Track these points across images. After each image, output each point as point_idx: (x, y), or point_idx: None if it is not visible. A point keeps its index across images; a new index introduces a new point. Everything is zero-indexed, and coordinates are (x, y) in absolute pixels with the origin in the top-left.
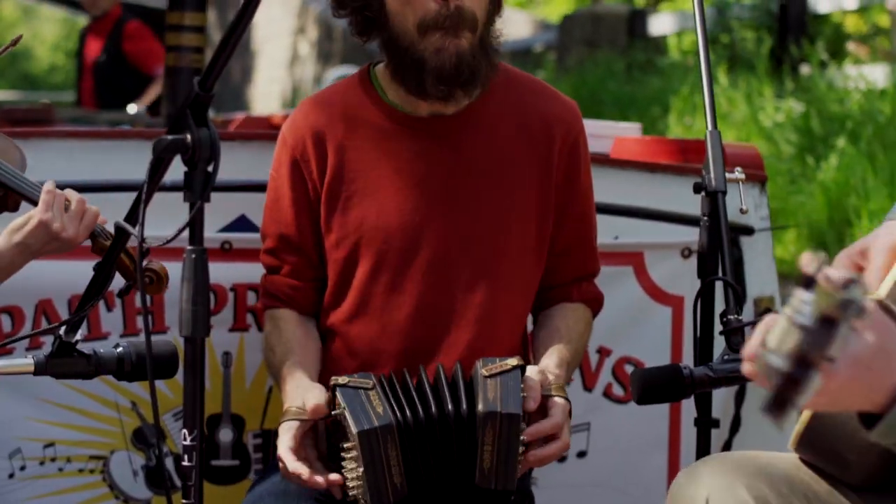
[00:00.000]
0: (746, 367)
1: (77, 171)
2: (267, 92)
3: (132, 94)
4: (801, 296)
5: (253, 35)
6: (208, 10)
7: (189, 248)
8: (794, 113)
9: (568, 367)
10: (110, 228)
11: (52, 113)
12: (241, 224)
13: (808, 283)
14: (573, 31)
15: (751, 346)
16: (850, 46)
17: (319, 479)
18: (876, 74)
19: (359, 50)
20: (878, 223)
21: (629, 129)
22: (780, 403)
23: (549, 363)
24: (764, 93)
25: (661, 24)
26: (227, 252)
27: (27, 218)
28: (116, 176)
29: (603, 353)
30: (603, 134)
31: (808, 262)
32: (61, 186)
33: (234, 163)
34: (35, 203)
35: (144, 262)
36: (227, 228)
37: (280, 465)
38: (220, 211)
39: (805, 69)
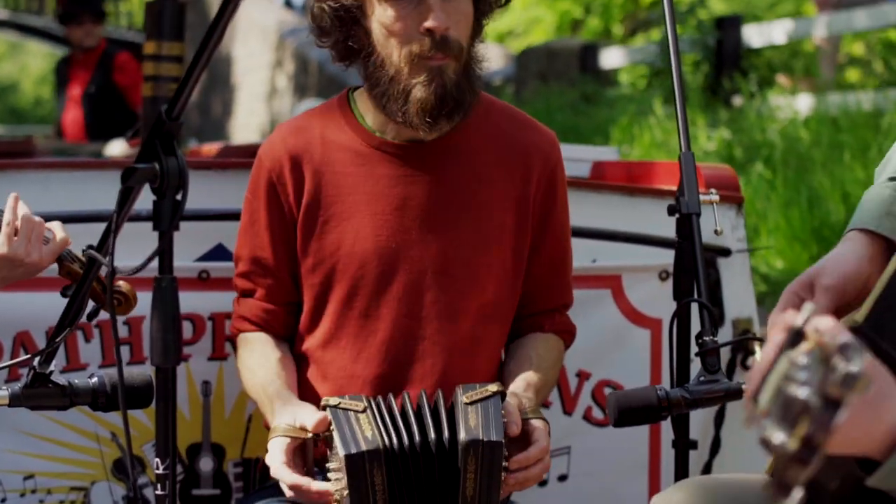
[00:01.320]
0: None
1: (54, 202)
2: (246, 124)
3: (123, 125)
4: (794, 357)
5: (233, 69)
6: (187, 48)
7: (158, 276)
8: (724, 141)
9: (537, 393)
10: (76, 251)
11: (32, 145)
12: (219, 253)
13: (796, 336)
14: (529, 64)
15: (747, 407)
16: (779, 78)
17: (319, 485)
18: (801, 104)
19: (333, 83)
20: (776, 239)
21: (606, 153)
22: (786, 484)
23: (519, 388)
24: (697, 122)
25: (611, 58)
26: (205, 281)
27: None
28: (94, 206)
29: (582, 376)
30: (581, 158)
31: (796, 315)
32: (40, 216)
33: (210, 191)
34: None
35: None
36: (205, 257)
37: (275, 477)
38: (197, 240)
39: (737, 100)
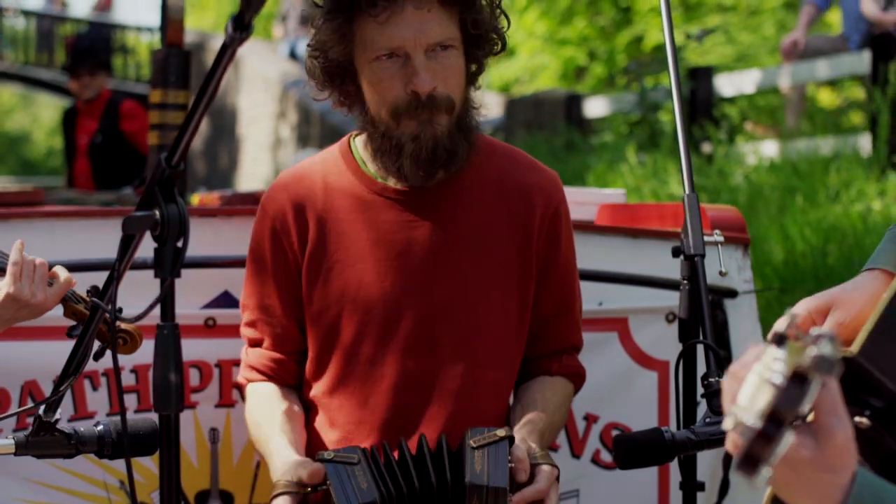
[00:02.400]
0: (725, 423)
1: (60, 251)
2: (252, 173)
3: (132, 173)
4: (772, 353)
5: (238, 119)
6: (191, 97)
7: (161, 324)
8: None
9: (542, 437)
10: (80, 291)
11: (41, 196)
12: (225, 300)
13: (780, 339)
14: (517, 113)
15: (724, 403)
16: (748, 126)
17: None
18: (767, 150)
19: (335, 133)
20: None
21: (613, 196)
22: (751, 461)
23: (523, 432)
24: (668, 168)
25: (594, 107)
26: (212, 328)
27: None
28: (100, 254)
29: (590, 419)
30: (588, 201)
31: (780, 319)
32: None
33: (216, 238)
34: (3, 271)
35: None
36: (211, 305)
37: None
38: (203, 287)
39: (707, 147)
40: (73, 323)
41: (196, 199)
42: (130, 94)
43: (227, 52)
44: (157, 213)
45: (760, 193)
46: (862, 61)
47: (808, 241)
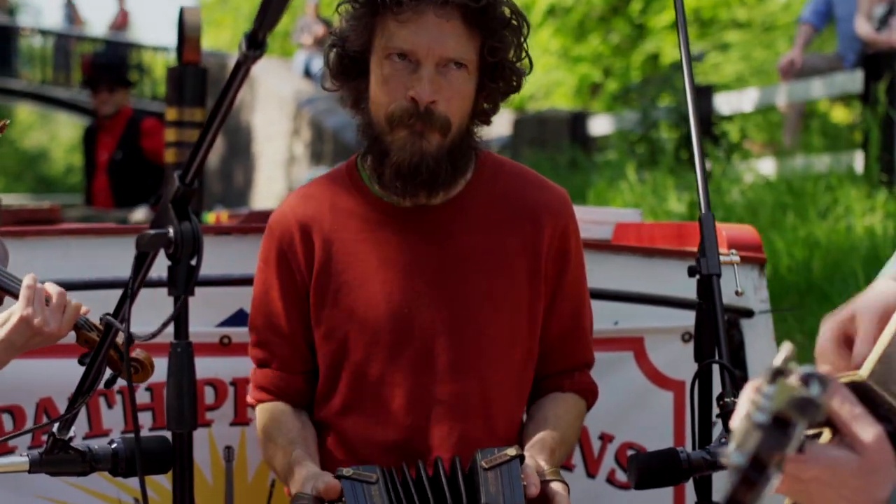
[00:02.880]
0: (722, 458)
1: (75, 269)
2: (266, 191)
3: (151, 190)
4: (763, 389)
5: (253, 137)
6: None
7: (174, 342)
8: (691, 203)
9: (553, 454)
10: (94, 319)
11: (57, 213)
12: (240, 318)
13: (773, 375)
14: (523, 131)
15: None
16: (747, 144)
17: None
18: (765, 168)
19: (348, 151)
20: None
21: (630, 215)
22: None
23: (535, 450)
24: (667, 185)
25: (598, 125)
26: (226, 346)
27: (8, 315)
28: (114, 272)
29: (605, 439)
30: (604, 220)
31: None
32: (61, 284)
33: (231, 257)
34: (17, 297)
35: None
36: (226, 323)
37: None
38: (218, 305)
39: (707, 164)
40: (84, 350)
41: (212, 217)
42: (148, 112)
43: (241, 70)
44: (170, 230)
45: (755, 210)
46: (855, 80)
47: (794, 256)
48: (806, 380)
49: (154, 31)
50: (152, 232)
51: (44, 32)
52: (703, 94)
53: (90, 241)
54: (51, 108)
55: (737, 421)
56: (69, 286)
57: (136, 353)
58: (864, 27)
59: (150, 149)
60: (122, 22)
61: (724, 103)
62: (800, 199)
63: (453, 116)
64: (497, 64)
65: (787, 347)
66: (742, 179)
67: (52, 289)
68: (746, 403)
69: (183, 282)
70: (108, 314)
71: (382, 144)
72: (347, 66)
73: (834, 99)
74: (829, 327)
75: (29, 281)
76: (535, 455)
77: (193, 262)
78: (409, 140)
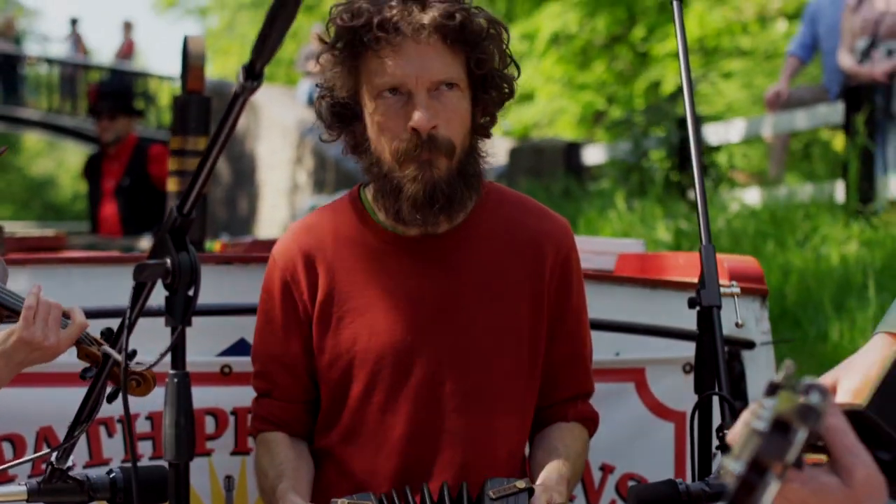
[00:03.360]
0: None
1: (78, 298)
2: (270, 218)
3: (159, 217)
4: (763, 402)
5: (257, 165)
6: None
7: (171, 372)
8: (678, 232)
9: (568, 485)
10: (94, 333)
11: (63, 241)
12: (241, 347)
13: (772, 389)
14: (520, 161)
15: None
16: (733, 174)
17: None
18: (750, 197)
19: (350, 179)
20: None
21: (632, 246)
22: None
23: (551, 481)
24: (656, 214)
25: (592, 154)
26: (227, 376)
27: (9, 331)
28: (117, 301)
29: (606, 469)
30: (606, 251)
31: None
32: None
33: (233, 286)
34: (18, 314)
35: (130, 365)
36: (227, 352)
37: None
38: (219, 335)
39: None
40: (86, 365)
41: (217, 245)
42: (154, 140)
43: (239, 101)
44: (168, 261)
45: (737, 239)
46: (836, 112)
47: (770, 283)
48: (806, 389)
49: (162, 60)
50: (150, 262)
51: (50, 61)
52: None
53: (93, 269)
54: (57, 137)
55: (735, 432)
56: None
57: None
58: (846, 60)
59: (158, 175)
60: (127, 51)
61: (713, 134)
62: (780, 228)
63: (455, 137)
64: (486, 75)
65: (788, 366)
66: (728, 208)
67: (52, 304)
68: (746, 415)
69: (180, 312)
70: (109, 329)
71: (394, 181)
72: (340, 113)
73: (818, 129)
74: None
75: (31, 301)
76: (552, 486)
77: (191, 293)
78: (419, 171)
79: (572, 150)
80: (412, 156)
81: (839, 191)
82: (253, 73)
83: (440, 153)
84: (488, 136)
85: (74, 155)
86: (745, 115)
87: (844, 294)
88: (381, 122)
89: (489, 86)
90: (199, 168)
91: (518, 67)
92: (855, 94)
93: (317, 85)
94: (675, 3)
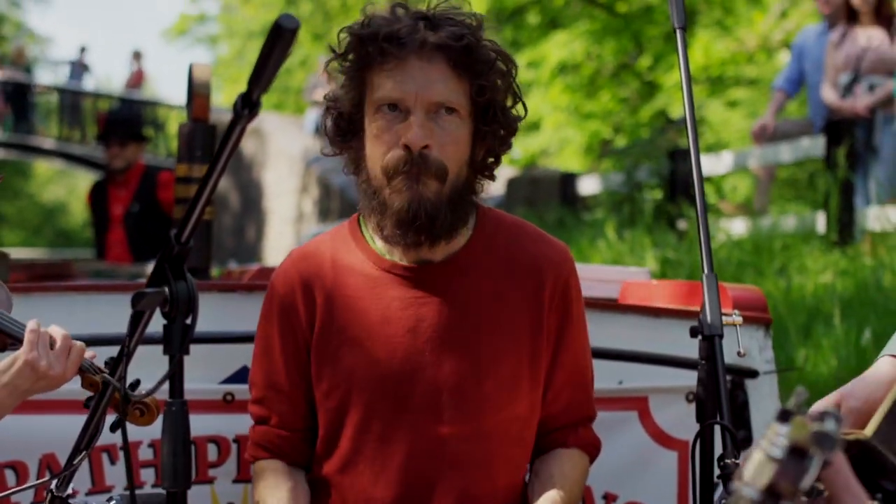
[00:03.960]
0: (730, 500)
1: (82, 325)
2: (277, 246)
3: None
4: (776, 429)
5: (264, 194)
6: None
7: (169, 400)
8: (665, 261)
9: None
10: (98, 362)
11: (70, 268)
12: (243, 375)
13: (785, 416)
14: (516, 191)
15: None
16: (721, 204)
17: None
18: (737, 227)
19: (354, 208)
20: None
21: (637, 274)
22: None
23: None
24: (644, 243)
25: (587, 185)
26: (230, 403)
27: (13, 359)
28: (121, 329)
29: (609, 498)
30: (611, 279)
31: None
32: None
33: (235, 314)
34: (21, 342)
35: (136, 393)
36: (229, 380)
37: None
38: (221, 362)
39: (683, 224)
40: (90, 394)
41: (224, 273)
42: (163, 168)
43: (237, 129)
44: (166, 290)
45: (721, 268)
46: (818, 145)
47: None
48: (822, 416)
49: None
50: (148, 291)
51: (60, 90)
52: (682, 157)
53: (96, 297)
54: (67, 164)
55: (749, 459)
56: (82, 341)
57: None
58: (829, 94)
59: (167, 200)
60: (137, 80)
61: (703, 165)
62: (760, 258)
63: (449, 162)
64: (488, 106)
65: (800, 392)
66: (714, 238)
67: (57, 332)
68: (760, 442)
69: (178, 341)
70: (112, 358)
71: (381, 197)
72: (343, 128)
73: (800, 163)
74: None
75: (33, 325)
76: None
77: (189, 321)
78: (406, 185)
79: (568, 180)
80: (401, 171)
81: (820, 222)
82: (249, 102)
83: (430, 173)
84: (492, 178)
85: (86, 181)
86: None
87: (812, 322)
88: (375, 136)
89: (491, 119)
90: (197, 196)
91: (525, 106)
92: (836, 128)
93: (324, 97)
94: (677, 31)
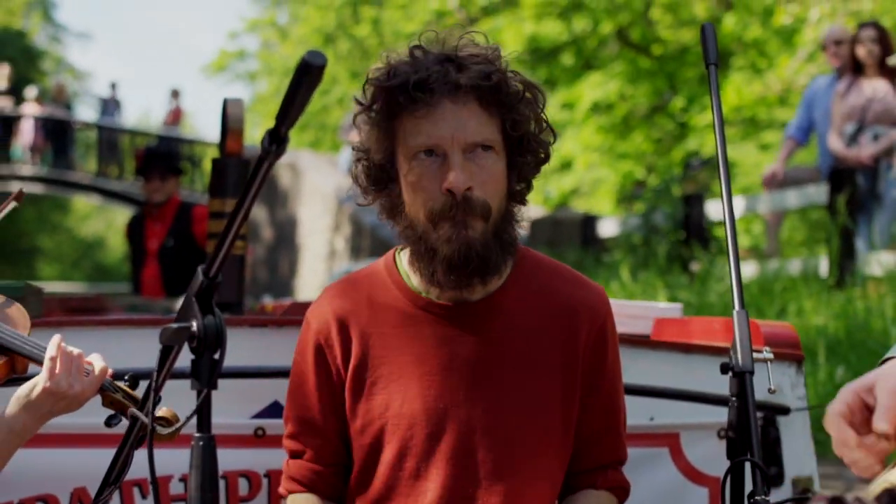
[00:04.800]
0: None
1: (112, 360)
2: (309, 282)
3: None
4: None
5: (298, 230)
6: (258, 207)
7: (197, 435)
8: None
9: None
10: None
11: (103, 302)
12: (275, 410)
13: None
14: (538, 232)
15: None
16: None
17: None
18: (747, 270)
19: (385, 246)
20: None
21: (669, 310)
22: None
23: None
24: (657, 285)
25: (606, 227)
26: (261, 438)
27: (34, 382)
28: (151, 363)
29: None
30: (643, 315)
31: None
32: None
33: (267, 349)
34: (40, 363)
35: (162, 430)
36: (261, 415)
37: None
38: (253, 397)
39: (695, 266)
40: (111, 412)
41: (258, 307)
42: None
43: (264, 165)
44: (193, 324)
45: (726, 308)
46: (821, 193)
47: None
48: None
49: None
50: (175, 326)
51: (100, 127)
52: (695, 202)
53: (126, 331)
54: (104, 200)
55: None
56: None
57: (161, 409)
58: (835, 143)
59: (202, 235)
60: (175, 118)
61: (715, 210)
62: (762, 300)
63: (491, 200)
64: (521, 138)
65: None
66: (723, 281)
67: (75, 352)
68: None
69: (206, 376)
70: (132, 375)
71: (428, 243)
72: (376, 177)
73: (805, 209)
74: (845, 396)
75: (52, 351)
76: None
77: (217, 356)
78: (454, 232)
79: (588, 222)
80: (447, 216)
81: (823, 266)
82: (277, 138)
83: (475, 215)
84: (524, 202)
85: (123, 216)
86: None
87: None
88: (415, 183)
89: (525, 149)
90: (225, 231)
91: (554, 132)
92: (839, 175)
93: (353, 148)
94: (709, 68)
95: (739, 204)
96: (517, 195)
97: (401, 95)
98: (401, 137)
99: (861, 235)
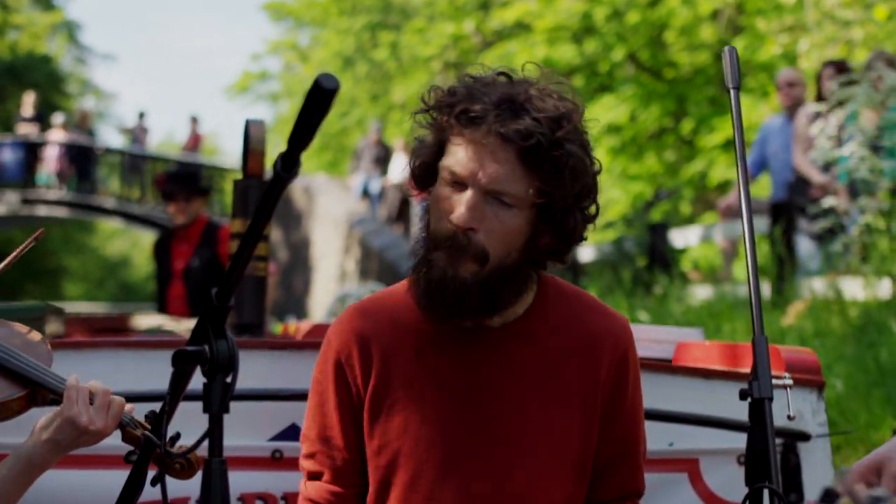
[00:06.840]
0: None
1: (134, 381)
2: (321, 303)
3: None
4: None
5: (311, 252)
6: (272, 229)
7: (208, 458)
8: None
9: None
10: (139, 416)
11: (127, 322)
12: (292, 433)
13: (829, 497)
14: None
15: None
16: (691, 273)
17: None
18: (703, 294)
19: (391, 269)
20: None
21: (691, 335)
22: None
23: None
24: (621, 306)
25: (585, 253)
26: (278, 461)
27: (54, 415)
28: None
29: None
30: (665, 339)
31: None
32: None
33: (285, 371)
34: (61, 397)
35: (177, 448)
36: (278, 437)
37: None
38: (270, 420)
39: (658, 290)
40: (131, 448)
41: (281, 328)
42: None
43: (276, 189)
44: (206, 348)
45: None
46: (764, 224)
47: None
48: (873, 501)
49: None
50: (188, 349)
51: (122, 153)
52: (659, 231)
53: (145, 353)
54: (127, 224)
55: None
56: (131, 399)
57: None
58: (801, 161)
59: (228, 255)
60: (194, 144)
61: (678, 237)
62: (712, 320)
63: (493, 249)
64: (551, 205)
65: (840, 472)
66: (682, 301)
67: (96, 387)
68: None
69: (218, 399)
70: (153, 412)
71: (422, 261)
72: (421, 175)
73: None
74: (853, 476)
75: (72, 380)
76: None
77: (229, 380)
78: (444, 261)
79: None
80: (444, 245)
81: (766, 289)
82: (289, 162)
83: (468, 256)
84: (563, 262)
85: (148, 236)
86: None
87: None
88: (437, 199)
89: (556, 215)
90: (238, 254)
91: (598, 206)
92: (777, 209)
93: (415, 137)
94: (731, 91)
95: (697, 232)
96: (542, 253)
97: (448, 116)
98: (448, 148)
99: (802, 262)
